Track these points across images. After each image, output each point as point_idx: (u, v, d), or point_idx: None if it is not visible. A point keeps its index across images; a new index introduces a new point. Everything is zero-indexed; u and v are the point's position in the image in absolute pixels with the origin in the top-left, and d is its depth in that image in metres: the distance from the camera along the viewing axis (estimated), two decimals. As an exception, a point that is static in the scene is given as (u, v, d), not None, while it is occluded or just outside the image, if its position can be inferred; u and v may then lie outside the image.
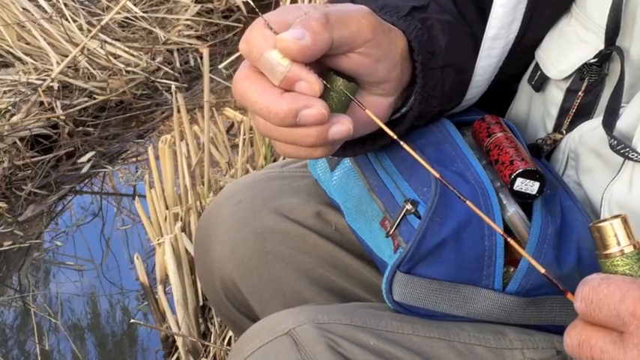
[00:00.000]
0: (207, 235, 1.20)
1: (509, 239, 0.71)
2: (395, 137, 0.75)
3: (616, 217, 0.63)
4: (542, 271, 0.67)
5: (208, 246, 1.20)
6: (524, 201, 0.91)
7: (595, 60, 0.94)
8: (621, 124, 0.88)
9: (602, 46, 0.93)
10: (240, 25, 4.37)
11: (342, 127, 0.78)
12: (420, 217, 0.88)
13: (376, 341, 0.87)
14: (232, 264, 1.16)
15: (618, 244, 0.62)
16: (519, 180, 0.90)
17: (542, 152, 0.99)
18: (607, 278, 0.61)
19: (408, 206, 0.88)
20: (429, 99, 0.92)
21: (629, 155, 0.84)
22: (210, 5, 4.48)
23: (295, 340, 0.86)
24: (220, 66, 3.74)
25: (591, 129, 0.93)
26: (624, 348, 0.58)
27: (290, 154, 0.83)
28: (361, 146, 0.96)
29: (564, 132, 0.98)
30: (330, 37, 0.76)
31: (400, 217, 0.89)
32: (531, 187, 0.90)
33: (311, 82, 0.76)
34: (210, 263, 1.20)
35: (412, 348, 0.88)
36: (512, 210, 0.91)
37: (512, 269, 0.90)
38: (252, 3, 0.89)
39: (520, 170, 0.89)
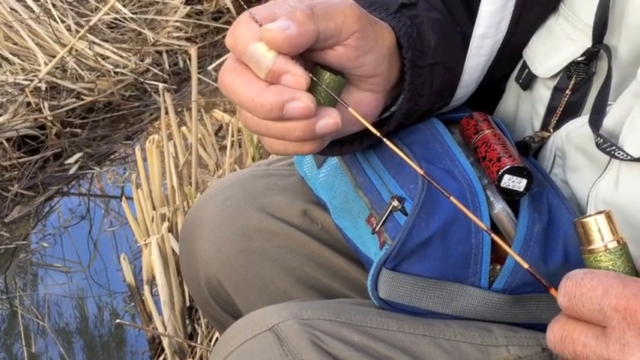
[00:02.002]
0: (193, 234, 1.20)
1: (492, 234, 0.70)
2: (378, 135, 0.75)
3: (600, 212, 0.63)
4: (526, 266, 0.67)
5: (194, 244, 1.19)
6: (512, 198, 0.91)
7: (582, 58, 0.93)
8: (608, 122, 0.87)
9: (589, 45, 0.93)
10: (229, 27, 4.36)
11: (330, 120, 0.77)
12: (406, 214, 0.88)
13: (360, 337, 0.86)
14: (217, 263, 1.15)
15: (602, 239, 0.62)
16: (506, 177, 0.89)
17: (530, 150, 0.98)
18: (590, 273, 0.60)
19: (395, 203, 0.88)
20: (417, 97, 0.92)
21: (615, 154, 0.83)
22: (199, 7, 4.48)
23: (278, 336, 0.86)
24: (209, 67, 3.73)
25: (578, 127, 0.93)
26: (607, 342, 0.57)
27: (278, 149, 0.82)
28: (349, 145, 0.95)
29: (552, 130, 0.98)
30: (315, 28, 0.76)
31: (386, 213, 0.89)
32: (518, 184, 0.89)
33: (297, 74, 0.75)
34: (195, 262, 1.19)
35: (397, 344, 0.87)
36: (500, 207, 0.91)
37: (498, 267, 0.89)
38: (241, 1, 0.89)
39: (507, 167, 0.89)
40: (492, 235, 0.69)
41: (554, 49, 0.97)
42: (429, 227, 0.86)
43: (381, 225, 0.89)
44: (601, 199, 0.86)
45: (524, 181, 0.89)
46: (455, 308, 0.90)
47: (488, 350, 0.90)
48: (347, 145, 0.95)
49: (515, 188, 0.90)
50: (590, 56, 0.93)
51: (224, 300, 1.18)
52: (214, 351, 0.93)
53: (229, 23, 4.40)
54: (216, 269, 1.15)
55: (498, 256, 0.90)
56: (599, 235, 0.62)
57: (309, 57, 0.80)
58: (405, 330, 0.89)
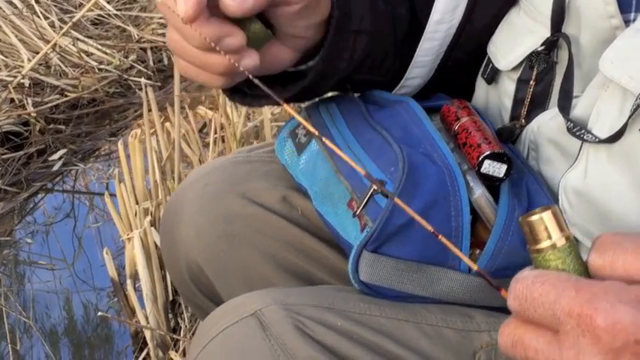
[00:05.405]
0: (173, 220, 1.19)
1: (477, 269, 0.68)
2: (323, 139, 0.74)
3: (546, 209, 0.59)
4: (475, 268, 0.65)
5: (174, 230, 1.18)
6: (492, 184, 0.91)
7: (542, 48, 0.95)
8: (576, 115, 0.88)
9: (548, 35, 0.94)
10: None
11: (251, 61, 0.84)
12: (387, 197, 0.87)
13: (343, 322, 0.86)
14: (198, 248, 1.14)
15: (549, 237, 0.58)
16: (487, 162, 0.90)
17: (513, 134, 1.00)
18: (541, 276, 0.56)
19: (376, 185, 0.88)
20: (336, 60, 0.95)
21: (585, 137, 0.84)
22: (184, 3, 4.46)
23: (261, 321, 0.85)
24: (194, 64, 3.71)
25: (548, 119, 0.94)
26: (560, 348, 0.54)
27: (190, 74, 0.88)
28: (266, 99, 0.99)
29: (523, 121, 0.99)
30: None
31: (367, 196, 0.88)
32: (499, 169, 0.90)
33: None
34: (175, 247, 1.18)
35: (380, 329, 0.87)
36: (479, 192, 0.91)
37: (477, 251, 0.89)
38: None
39: (488, 152, 0.90)
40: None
41: (515, 41, 1.00)
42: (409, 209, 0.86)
43: (362, 208, 0.88)
44: (570, 188, 0.87)
45: (504, 167, 0.90)
46: (435, 291, 0.90)
47: (471, 336, 0.90)
48: (264, 99, 0.99)
49: (495, 174, 0.90)
50: (550, 45, 0.94)
51: (205, 286, 1.17)
52: (195, 337, 0.92)
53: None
54: (196, 254, 1.15)
55: (478, 241, 0.90)
56: (546, 233, 0.58)
57: None
58: (387, 315, 0.89)
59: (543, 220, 0.58)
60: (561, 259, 0.58)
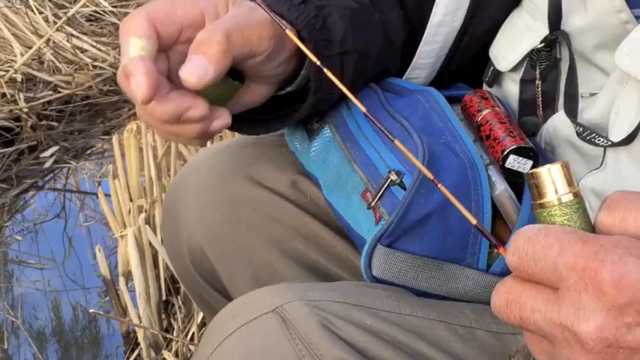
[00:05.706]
0: (177, 201, 1.14)
1: (479, 226, 0.62)
2: (325, 70, 0.72)
3: (555, 163, 0.55)
4: (474, 222, 0.60)
5: (177, 212, 1.13)
6: (514, 180, 0.87)
7: (542, 45, 0.92)
8: (594, 114, 0.84)
9: (548, 32, 0.91)
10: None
11: (221, 122, 0.85)
12: (405, 189, 0.83)
13: (373, 321, 0.79)
14: (201, 231, 1.09)
15: (556, 192, 0.54)
16: (512, 157, 0.85)
17: (537, 128, 0.95)
18: (545, 228, 0.51)
19: (393, 176, 0.82)
20: (326, 87, 0.91)
21: (596, 141, 0.80)
22: (180, 2, 4.42)
23: (284, 318, 0.78)
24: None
25: (563, 120, 0.90)
26: (559, 305, 0.50)
27: (168, 139, 0.90)
28: (264, 126, 0.99)
29: (540, 120, 0.96)
30: (230, 60, 0.79)
31: (384, 187, 0.83)
32: (524, 165, 0.86)
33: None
34: (178, 230, 1.13)
35: (412, 329, 0.81)
36: (502, 188, 0.86)
37: (495, 250, 0.84)
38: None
39: (514, 147, 0.85)
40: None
41: (515, 41, 0.97)
42: (428, 203, 0.81)
43: (378, 199, 0.84)
44: (589, 189, 0.83)
45: (529, 163, 0.85)
46: (450, 290, 0.85)
47: (505, 338, 0.84)
48: (262, 126, 0.99)
49: (519, 169, 0.86)
50: (550, 43, 0.92)
51: (207, 270, 1.12)
52: (208, 333, 0.84)
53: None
54: (199, 238, 1.10)
55: (497, 239, 0.85)
56: (553, 187, 0.54)
57: None
58: (418, 315, 0.83)
59: (550, 172, 0.54)
60: (567, 216, 0.53)
